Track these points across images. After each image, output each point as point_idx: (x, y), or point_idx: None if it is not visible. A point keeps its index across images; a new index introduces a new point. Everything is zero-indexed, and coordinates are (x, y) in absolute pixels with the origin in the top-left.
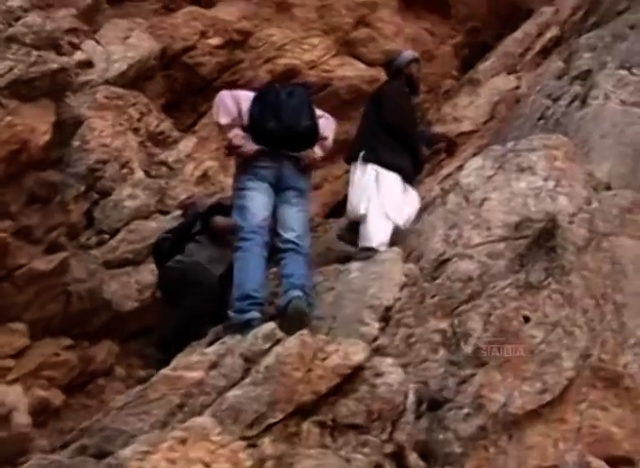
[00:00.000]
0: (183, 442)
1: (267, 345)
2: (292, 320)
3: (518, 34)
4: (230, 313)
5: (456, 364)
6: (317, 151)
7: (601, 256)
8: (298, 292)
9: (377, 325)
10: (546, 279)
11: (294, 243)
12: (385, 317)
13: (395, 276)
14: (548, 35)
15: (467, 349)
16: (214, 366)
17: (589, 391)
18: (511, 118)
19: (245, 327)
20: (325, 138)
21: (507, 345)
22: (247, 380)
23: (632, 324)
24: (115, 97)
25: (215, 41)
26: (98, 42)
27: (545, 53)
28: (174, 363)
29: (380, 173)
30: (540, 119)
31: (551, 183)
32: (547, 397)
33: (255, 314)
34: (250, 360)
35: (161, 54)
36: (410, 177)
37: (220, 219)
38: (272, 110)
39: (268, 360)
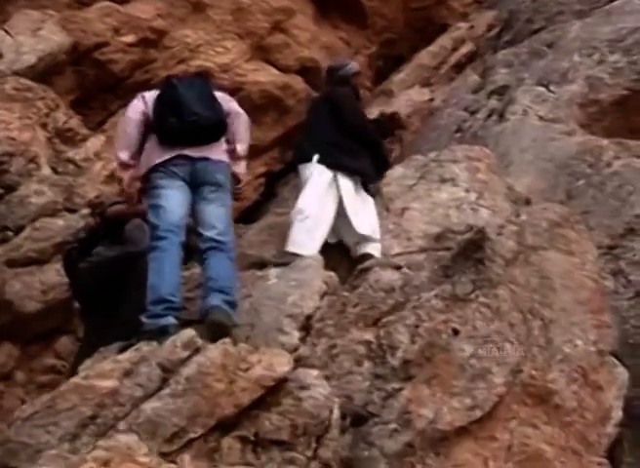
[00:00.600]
0: (106, 463)
1: (186, 354)
2: (210, 330)
3: (433, 48)
4: (143, 318)
5: (381, 377)
6: (241, 167)
7: (529, 270)
8: (216, 301)
9: (297, 334)
10: (473, 291)
11: (215, 240)
12: (306, 326)
13: (315, 283)
14: (463, 50)
15: (394, 362)
16: (128, 374)
17: (519, 408)
18: (425, 130)
19: (160, 333)
20: (237, 152)
21: (436, 358)
22: (165, 391)
23: (559, 340)
24: (24, 89)
25: (128, 38)
26: (7, 32)
27: (460, 67)
28: (84, 370)
29: (337, 178)
30: (457, 131)
31: (473, 195)
32: (477, 413)
33: (170, 319)
34: (167, 369)
35: (72, 48)
36: (372, 180)
37: (112, 208)
38: (171, 106)
39: (189, 370)
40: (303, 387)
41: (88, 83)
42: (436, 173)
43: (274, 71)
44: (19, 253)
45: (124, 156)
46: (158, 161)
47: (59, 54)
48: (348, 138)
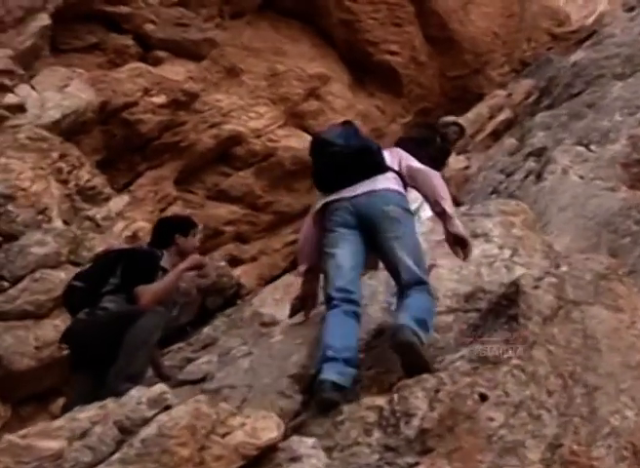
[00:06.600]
0: None
1: (152, 412)
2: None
3: (470, 115)
4: None
5: (393, 449)
6: (456, 227)
7: (571, 328)
8: (404, 320)
9: (299, 398)
10: (505, 352)
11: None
12: (310, 389)
13: None
14: (501, 117)
15: (409, 432)
16: (83, 434)
17: None
18: (459, 195)
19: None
20: (447, 213)
21: (459, 429)
22: (115, 456)
23: (605, 410)
24: (38, 139)
25: (159, 99)
26: (33, 87)
27: (497, 135)
28: (28, 428)
29: None
30: (492, 193)
31: (507, 252)
32: None
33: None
34: (127, 430)
35: (100, 107)
36: None
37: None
38: (317, 152)
39: (147, 431)
40: (294, 459)
41: (115, 143)
42: (468, 227)
43: (307, 137)
44: (13, 305)
45: (302, 268)
46: (316, 209)
47: (85, 112)
48: None
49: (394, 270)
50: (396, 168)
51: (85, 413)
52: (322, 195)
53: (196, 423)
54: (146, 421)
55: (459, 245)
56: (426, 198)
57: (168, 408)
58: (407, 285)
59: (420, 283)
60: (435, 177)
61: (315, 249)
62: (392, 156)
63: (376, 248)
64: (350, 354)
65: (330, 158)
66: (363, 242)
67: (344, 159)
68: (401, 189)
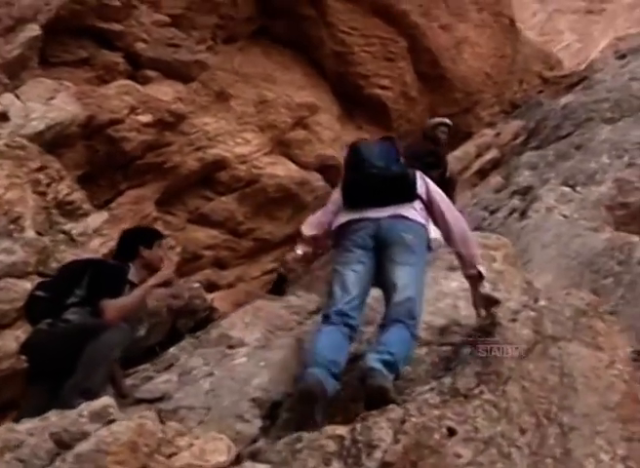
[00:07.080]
0: None
1: (94, 427)
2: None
3: (457, 153)
4: None
5: None
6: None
7: (548, 365)
8: (373, 363)
9: (258, 423)
10: (478, 386)
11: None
12: (271, 414)
13: (292, 366)
14: (488, 156)
15: (370, 464)
16: (17, 446)
17: None
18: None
19: None
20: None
21: (424, 463)
22: None
23: (580, 453)
24: (17, 148)
25: (145, 118)
26: (17, 97)
27: (483, 173)
28: None
29: None
30: (475, 230)
31: (487, 286)
32: None
33: None
34: (63, 443)
35: (85, 122)
36: None
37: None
38: (353, 165)
39: (84, 446)
40: None
41: (98, 159)
42: (445, 259)
43: (292, 166)
44: None
45: (307, 232)
46: (339, 223)
47: (70, 125)
48: None
49: (389, 295)
50: (424, 197)
51: (24, 425)
52: (345, 207)
53: (138, 440)
54: (86, 435)
55: (489, 305)
56: (458, 254)
57: (112, 422)
58: (395, 314)
59: (410, 318)
60: (473, 238)
61: (325, 230)
62: (421, 183)
63: (381, 269)
64: (336, 370)
65: (365, 178)
66: (376, 265)
67: (380, 183)
68: (424, 221)
